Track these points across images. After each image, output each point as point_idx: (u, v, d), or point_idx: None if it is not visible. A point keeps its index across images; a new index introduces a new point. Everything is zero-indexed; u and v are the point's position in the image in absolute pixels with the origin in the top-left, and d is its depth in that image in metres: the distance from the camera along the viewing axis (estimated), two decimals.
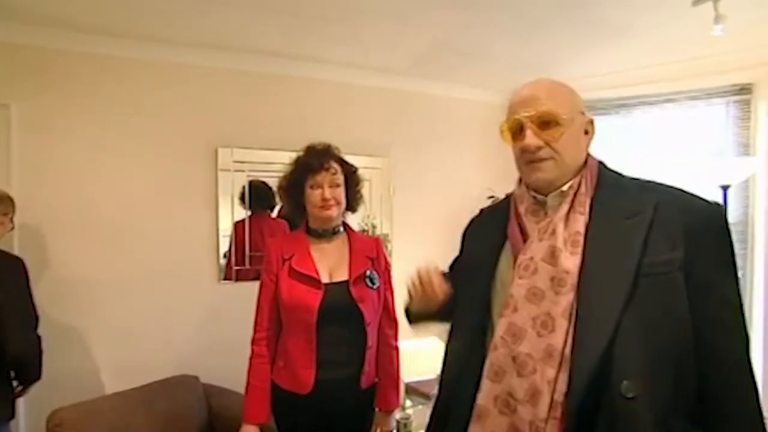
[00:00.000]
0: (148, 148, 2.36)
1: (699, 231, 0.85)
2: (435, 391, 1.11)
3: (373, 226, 3.02)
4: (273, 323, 1.59)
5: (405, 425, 2.13)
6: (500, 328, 0.91)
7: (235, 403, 1.80)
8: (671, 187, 0.95)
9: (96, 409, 1.84)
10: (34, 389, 1.91)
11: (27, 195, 2.09)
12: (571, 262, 0.87)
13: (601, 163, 1.00)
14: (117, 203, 2.30)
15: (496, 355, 0.90)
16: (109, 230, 2.27)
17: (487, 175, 3.11)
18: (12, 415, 1.77)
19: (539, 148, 0.93)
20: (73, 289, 2.20)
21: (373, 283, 1.60)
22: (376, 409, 1.69)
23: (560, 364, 0.83)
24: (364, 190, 2.83)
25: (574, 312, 0.85)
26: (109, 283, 2.27)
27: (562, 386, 0.82)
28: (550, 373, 0.83)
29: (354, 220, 2.87)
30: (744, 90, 2.61)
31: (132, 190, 2.33)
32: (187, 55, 2.38)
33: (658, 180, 0.98)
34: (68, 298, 2.19)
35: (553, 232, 0.91)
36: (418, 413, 2.26)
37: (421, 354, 2.28)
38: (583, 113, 0.98)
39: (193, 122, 2.46)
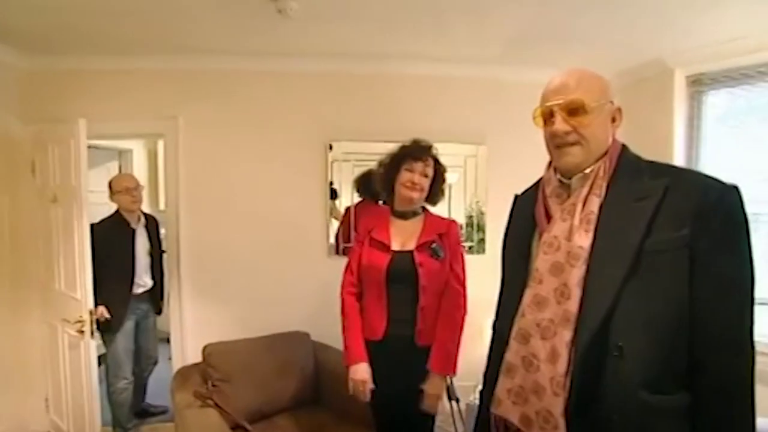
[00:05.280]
0: (273, 143, 2.88)
1: (706, 212, 0.89)
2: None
3: (482, 213, 3.13)
4: (356, 279, 1.93)
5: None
6: (527, 297, 1.03)
7: (337, 358, 2.09)
8: (685, 170, 1.01)
9: (232, 347, 2.39)
10: (197, 329, 2.68)
11: (189, 182, 2.79)
12: (584, 239, 0.96)
13: (624, 147, 1.05)
14: (250, 189, 2.87)
15: (523, 321, 1.02)
16: (243, 210, 2.86)
17: None
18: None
19: (567, 133, 1.01)
20: (216, 255, 2.84)
21: (437, 254, 1.82)
22: (428, 370, 1.77)
23: (576, 328, 0.94)
24: (461, 177, 3.02)
25: (584, 283, 0.95)
26: (242, 252, 2.86)
27: (575, 345, 0.94)
28: (567, 335, 0.94)
29: (461, 208, 3.04)
30: None
31: (261, 179, 2.87)
32: (301, 64, 2.81)
33: (675, 164, 1.01)
34: (212, 262, 2.84)
35: (572, 213, 1.00)
36: None
37: None
38: (612, 102, 1.03)
39: (308, 120, 2.90)
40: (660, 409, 0.88)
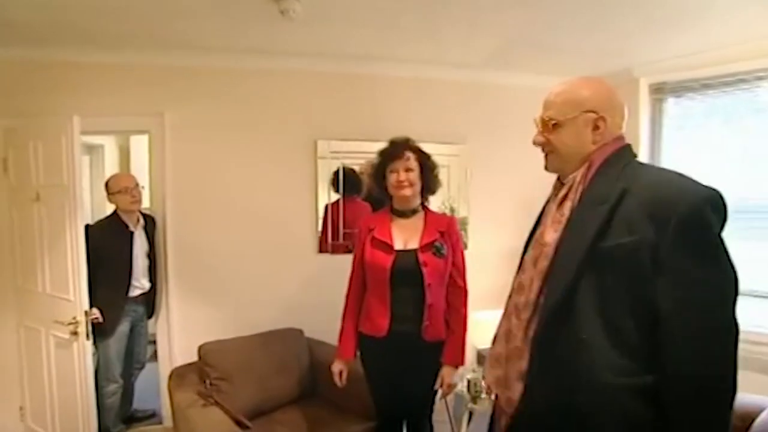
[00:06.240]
0: (261, 142, 2.87)
1: (663, 217, 0.92)
2: None
3: (452, 210, 3.27)
4: (360, 280, 2.00)
5: (474, 384, 2.41)
6: (514, 283, 1.21)
7: (331, 354, 2.12)
8: (655, 174, 1.04)
9: (227, 346, 2.39)
10: (185, 329, 2.63)
11: (176, 181, 2.74)
12: (551, 237, 1.09)
13: (613, 152, 1.08)
14: (238, 188, 2.84)
15: (509, 302, 1.21)
16: (232, 209, 2.83)
17: None
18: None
19: (542, 144, 1.16)
20: (204, 253, 2.79)
21: (440, 253, 1.90)
22: (442, 363, 1.95)
23: (533, 311, 1.09)
24: (443, 175, 3.14)
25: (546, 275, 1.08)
26: (229, 250, 2.83)
27: (533, 326, 1.08)
28: (525, 315, 1.10)
29: (434, 203, 3.16)
30: None
31: (249, 177, 2.86)
32: (290, 63, 2.82)
33: (654, 167, 1.08)
34: (200, 261, 2.79)
35: (549, 213, 1.16)
36: None
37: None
38: (593, 111, 1.08)
39: (296, 119, 2.91)
40: (623, 386, 0.94)
